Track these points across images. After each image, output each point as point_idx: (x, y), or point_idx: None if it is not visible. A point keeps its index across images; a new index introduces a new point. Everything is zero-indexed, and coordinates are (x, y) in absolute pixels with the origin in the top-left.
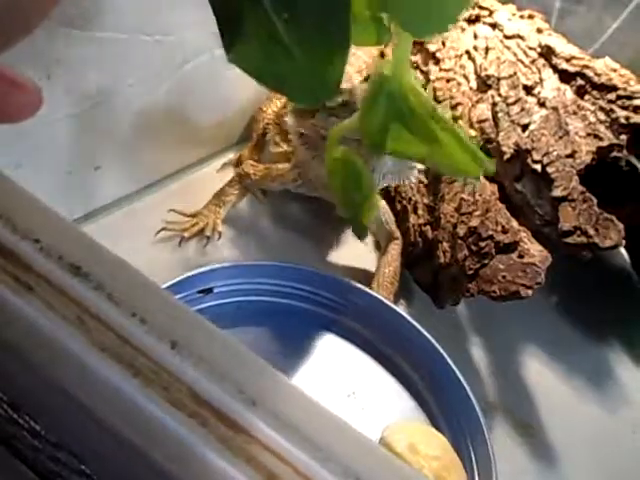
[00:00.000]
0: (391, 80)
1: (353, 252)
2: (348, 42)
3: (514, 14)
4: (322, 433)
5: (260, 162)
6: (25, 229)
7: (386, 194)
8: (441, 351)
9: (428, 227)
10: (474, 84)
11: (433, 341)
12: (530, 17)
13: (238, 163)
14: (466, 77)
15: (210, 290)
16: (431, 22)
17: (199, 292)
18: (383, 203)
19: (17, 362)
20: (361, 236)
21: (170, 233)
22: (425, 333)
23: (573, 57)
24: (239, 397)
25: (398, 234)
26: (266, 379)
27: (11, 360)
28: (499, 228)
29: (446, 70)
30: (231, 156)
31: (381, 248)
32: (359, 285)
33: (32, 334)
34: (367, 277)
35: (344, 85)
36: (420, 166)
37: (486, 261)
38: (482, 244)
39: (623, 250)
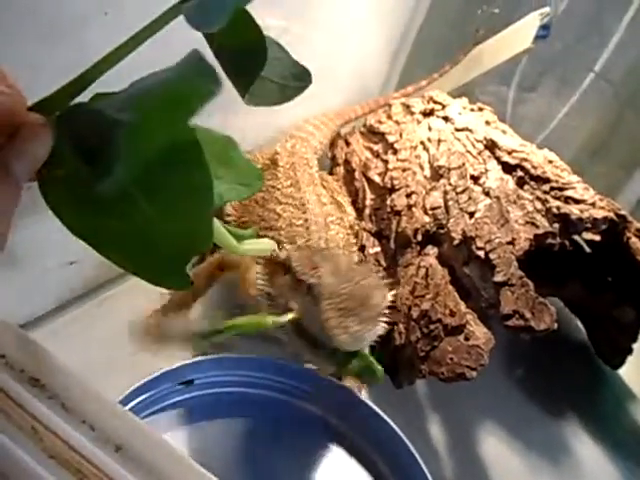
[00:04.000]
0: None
1: None
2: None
3: (465, 107)
4: None
5: None
6: None
7: None
8: (413, 451)
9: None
10: (428, 173)
11: (407, 441)
12: (480, 109)
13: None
14: (421, 166)
15: (191, 382)
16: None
17: (180, 384)
18: None
19: None
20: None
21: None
22: (398, 431)
23: (514, 150)
24: None
25: None
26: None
27: None
28: (447, 311)
29: (402, 160)
30: None
31: None
32: (332, 379)
33: None
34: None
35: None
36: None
37: (436, 343)
38: (432, 327)
39: (581, 325)
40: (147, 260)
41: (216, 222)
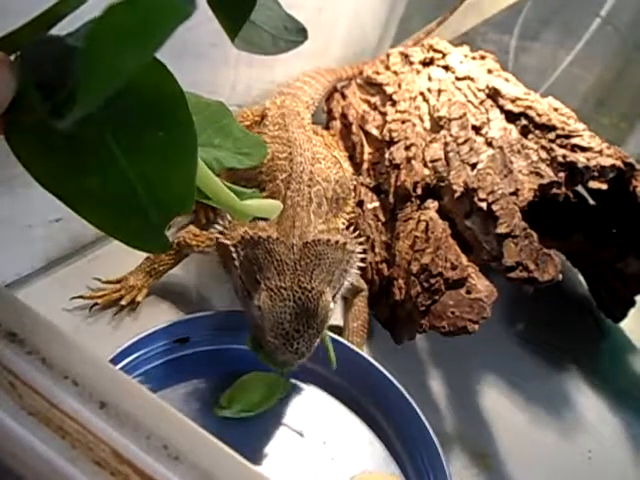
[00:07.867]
0: None
1: None
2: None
3: (466, 55)
4: None
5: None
6: None
7: None
8: (411, 401)
9: (384, 265)
10: (428, 125)
11: (403, 391)
12: (482, 58)
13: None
14: (420, 118)
15: (186, 339)
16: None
17: (175, 341)
18: None
19: None
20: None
21: (86, 301)
22: (396, 383)
23: (517, 98)
24: (163, 453)
25: (364, 285)
26: (189, 435)
27: None
28: (448, 265)
29: (401, 112)
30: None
31: (347, 301)
32: (333, 334)
33: None
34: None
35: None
36: None
37: (436, 297)
38: (433, 281)
39: (582, 278)
40: (123, 221)
41: (214, 178)
